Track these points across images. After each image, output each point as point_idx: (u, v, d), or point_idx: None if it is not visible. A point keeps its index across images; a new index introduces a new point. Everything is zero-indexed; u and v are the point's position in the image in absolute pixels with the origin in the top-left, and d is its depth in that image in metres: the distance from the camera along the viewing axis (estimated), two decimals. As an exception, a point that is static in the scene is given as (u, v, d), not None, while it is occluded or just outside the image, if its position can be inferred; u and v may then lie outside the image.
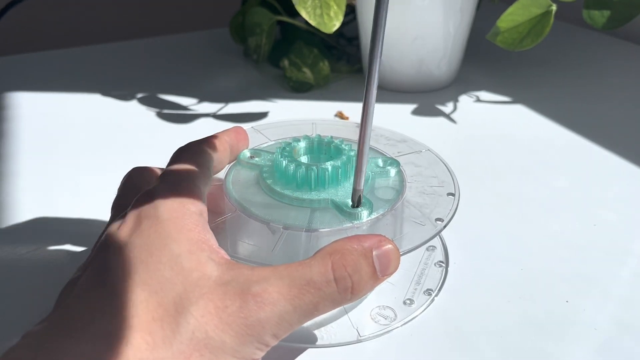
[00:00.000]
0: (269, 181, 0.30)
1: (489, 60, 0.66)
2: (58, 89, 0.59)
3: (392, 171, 0.32)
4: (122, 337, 0.21)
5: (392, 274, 0.24)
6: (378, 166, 0.32)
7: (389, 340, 0.28)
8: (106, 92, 0.58)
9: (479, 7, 0.59)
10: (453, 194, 0.31)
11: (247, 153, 0.32)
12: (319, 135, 0.32)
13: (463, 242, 0.35)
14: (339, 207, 0.28)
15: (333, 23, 0.47)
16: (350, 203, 0.28)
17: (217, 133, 0.31)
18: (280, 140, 0.34)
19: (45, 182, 0.43)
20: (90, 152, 0.47)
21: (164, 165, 0.34)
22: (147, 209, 0.24)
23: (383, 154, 0.33)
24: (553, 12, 0.47)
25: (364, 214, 0.28)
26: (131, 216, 0.25)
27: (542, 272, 0.33)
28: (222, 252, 0.24)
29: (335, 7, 0.47)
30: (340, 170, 0.29)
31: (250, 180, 0.31)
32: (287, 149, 0.31)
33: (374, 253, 0.24)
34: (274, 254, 0.27)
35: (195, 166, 0.27)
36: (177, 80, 0.62)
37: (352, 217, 0.28)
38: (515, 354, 0.28)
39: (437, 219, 0.29)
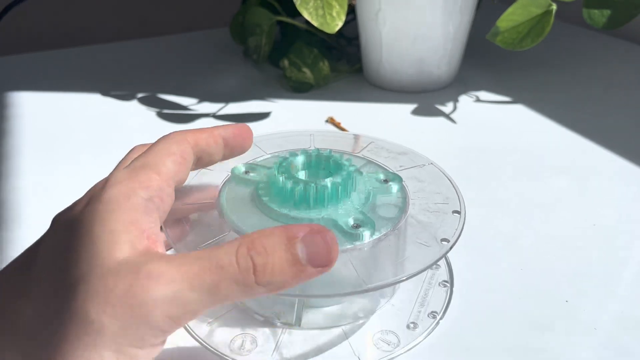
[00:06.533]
0: (265, 199, 0.28)
1: (489, 60, 0.66)
2: (58, 89, 0.59)
3: (394, 187, 0.30)
4: (18, 311, 0.22)
5: (326, 266, 0.22)
6: (379, 181, 0.31)
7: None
8: (106, 92, 0.58)
9: (479, 7, 0.59)
10: (459, 212, 0.29)
11: (242, 168, 0.31)
12: (318, 149, 0.31)
13: (464, 248, 0.35)
14: (339, 227, 0.27)
15: (336, 23, 0.47)
16: (352, 222, 0.27)
17: (214, 126, 0.29)
18: (277, 154, 0.33)
19: (46, 181, 0.43)
20: (90, 152, 0.47)
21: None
22: (98, 191, 0.24)
23: (384, 168, 0.32)
24: (553, 12, 0.47)
25: (365, 234, 0.27)
26: (84, 197, 0.25)
27: (541, 271, 0.33)
28: (158, 241, 0.23)
29: (337, 7, 0.47)
30: (340, 187, 0.28)
31: (245, 197, 0.29)
32: (284, 164, 0.29)
33: (298, 239, 0.22)
34: None
35: (168, 154, 0.26)
36: (177, 80, 0.62)
37: (353, 237, 0.26)
38: (514, 353, 0.28)
39: (443, 239, 0.27)
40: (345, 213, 0.28)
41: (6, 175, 0.44)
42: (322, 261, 0.22)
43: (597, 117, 0.53)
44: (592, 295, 0.31)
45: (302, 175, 0.31)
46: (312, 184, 0.27)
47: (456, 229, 0.28)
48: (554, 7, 0.47)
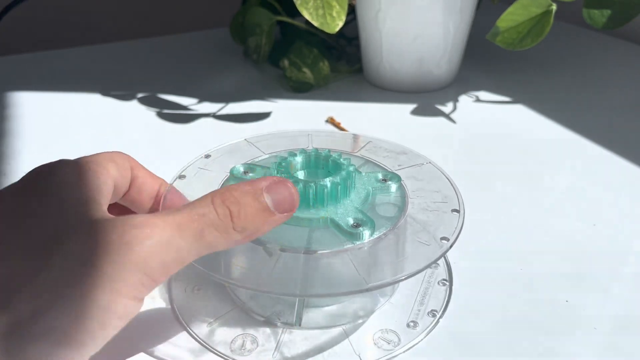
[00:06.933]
0: None
1: (489, 60, 0.66)
2: (58, 89, 0.59)
3: (393, 186, 0.30)
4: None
5: (290, 210, 0.25)
6: (378, 181, 0.31)
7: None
8: (106, 92, 0.58)
9: (479, 7, 0.59)
10: (458, 211, 0.29)
11: (240, 168, 0.31)
12: (316, 149, 0.31)
13: (465, 248, 0.35)
14: (338, 227, 0.27)
15: (336, 23, 0.47)
16: (351, 222, 0.27)
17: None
18: (275, 154, 0.33)
19: (46, 182, 0.43)
20: (90, 152, 0.47)
21: (161, 165, 0.34)
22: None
23: (383, 168, 0.32)
24: (553, 12, 0.47)
25: (365, 233, 0.27)
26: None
27: (541, 271, 0.33)
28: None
29: (337, 7, 0.47)
30: (339, 186, 0.28)
31: None
32: (283, 164, 0.29)
33: (263, 189, 0.24)
34: (271, 277, 0.26)
35: (110, 159, 0.28)
36: (177, 80, 0.62)
37: (353, 237, 0.27)
38: (514, 354, 0.28)
39: (443, 238, 0.27)
40: (344, 212, 0.28)
41: (6, 175, 0.44)
42: (287, 207, 0.25)
43: (597, 117, 0.53)
44: (592, 295, 0.31)
45: (301, 175, 0.31)
46: (312, 184, 0.27)
47: (455, 228, 0.28)
48: (554, 7, 0.47)
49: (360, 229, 0.27)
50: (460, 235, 0.28)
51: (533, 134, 0.50)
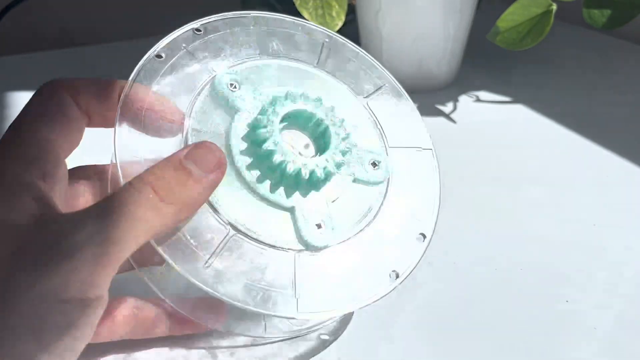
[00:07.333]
0: (247, 173, 0.25)
1: (489, 60, 0.66)
2: (58, 89, 0.59)
3: (379, 176, 0.27)
4: None
5: (219, 168, 0.23)
6: (366, 163, 0.27)
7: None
8: (106, 92, 0.58)
9: (479, 7, 0.59)
10: (425, 236, 0.26)
11: (226, 79, 0.26)
12: (314, 114, 0.26)
13: (465, 247, 0.35)
14: (297, 224, 0.25)
15: (335, 23, 0.47)
16: (316, 221, 0.25)
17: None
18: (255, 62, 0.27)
19: (46, 182, 0.43)
20: (90, 152, 0.47)
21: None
22: None
23: (380, 141, 0.28)
24: (553, 12, 0.47)
25: (323, 239, 0.25)
26: None
27: (541, 272, 0.33)
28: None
29: (337, 7, 0.47)
30: (327, 173, 0.25)
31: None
32: (270, 114, 0.25)
33: (182, 157, 0.23)
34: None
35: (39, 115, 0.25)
36: (177, 80, 0.61)
37: (307, 246, 0.24)
38: (514, 354, 0.28)
39: (393, 271, 0.25)
40: (312, 204, 0.25)
41: (6, 175, 0.43)
42: (214, 164, 0.23)
43: (597, 117, 0.53)
44: (592, 295, 0.31)
45: (279, 127, 0.26)
46: (308, 166, 0.25)
47: (411, 262, 0.26)
48: (554, 6, 0.47)
49: (320, 234, 0.25)
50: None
51: (533, 134, 0.50)
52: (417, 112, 0.30)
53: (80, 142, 0.26)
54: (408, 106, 0.31)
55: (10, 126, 0.24)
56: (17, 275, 0.20)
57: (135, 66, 0.26)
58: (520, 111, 0.54)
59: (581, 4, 0.48)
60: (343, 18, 0.47)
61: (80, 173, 0.27)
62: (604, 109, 0.54)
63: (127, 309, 0.26)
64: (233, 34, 0.28)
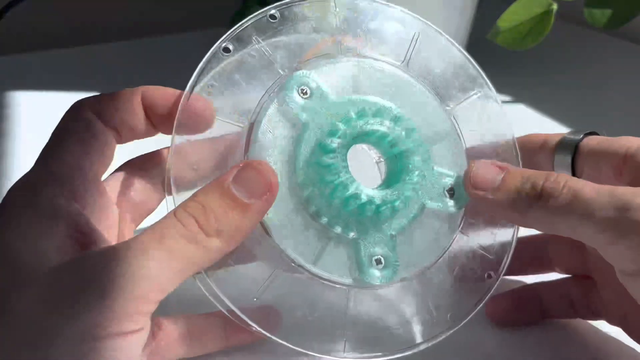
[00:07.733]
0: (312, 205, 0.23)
1: (489, 60, 0.66)
2: (58, 89, 0.59)
3: (453, 206, 0.24)
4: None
5: (269, 192, 0.22)
6: (440, 191, 0.24)
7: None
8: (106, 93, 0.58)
9: (479, 7, 0.59)
10: (490, 276, 0.24)
11: (297, 82, 0.23)
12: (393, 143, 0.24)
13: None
14: (357, 254, 0.23)
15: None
16: (376, 254, 0.23)
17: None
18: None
19: (46, 182, 0.43)
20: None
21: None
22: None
23: (461, 159, 0.26)
24: (554, 12, 0.47)
25: (381, 276, 0.23)
26: None
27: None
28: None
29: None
30: (395, 207, 0.23)
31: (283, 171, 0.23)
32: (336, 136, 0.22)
33: (228, 181, 0.21)
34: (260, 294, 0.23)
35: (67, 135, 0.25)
36: (177, 80, 0.61)
37: (364, 275, 0.22)
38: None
39: (452, 316, 0.24)
40: (374, 237, 0.23)
41: (6, 175, 0.43)
42: (263, 189, 0.22)
43: (597, 117, 0.53)
44: (593, 295, 0.31)
45: (337, 141, 0.23)
46: (381, 201, 0.22)
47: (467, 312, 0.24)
48: (555, 6, 0.47)
49: (378, 270, 0.22)
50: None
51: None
52: (512, 129, 0.28)
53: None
54: (502, 121, 0.28)
55: (41, 153, 0.25)
56: (54, 315, 0.19)
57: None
58: (521, 111, 0.54)
59: (582, 4, 0.48)
60: (343, 18, 0.47)
61: (140, 163, 0.27)
62: (604, 108, 0.54)
63: (180, 327, 0.25)
64: (310, 21, 0.25)
